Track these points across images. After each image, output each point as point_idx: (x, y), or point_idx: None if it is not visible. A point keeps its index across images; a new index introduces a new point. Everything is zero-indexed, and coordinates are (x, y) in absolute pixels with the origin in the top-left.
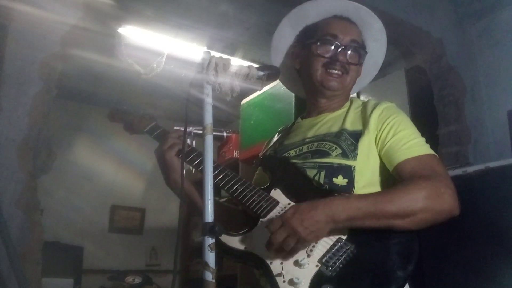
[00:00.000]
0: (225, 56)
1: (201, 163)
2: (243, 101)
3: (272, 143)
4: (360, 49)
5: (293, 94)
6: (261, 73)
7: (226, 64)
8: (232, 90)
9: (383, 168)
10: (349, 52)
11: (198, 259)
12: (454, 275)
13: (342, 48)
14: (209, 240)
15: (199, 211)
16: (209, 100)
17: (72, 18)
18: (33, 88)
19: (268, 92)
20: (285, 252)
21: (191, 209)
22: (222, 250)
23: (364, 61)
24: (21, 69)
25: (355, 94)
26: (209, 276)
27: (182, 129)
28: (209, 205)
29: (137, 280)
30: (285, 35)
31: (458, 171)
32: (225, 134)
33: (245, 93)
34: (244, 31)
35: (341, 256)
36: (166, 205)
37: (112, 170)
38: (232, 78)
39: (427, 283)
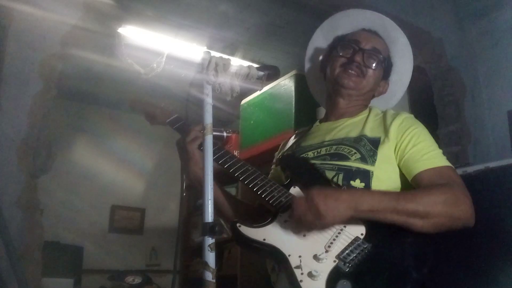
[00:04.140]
0: (225, 56)
1: (228, 159)
2: (243, 101)
3: (289, 144)
4: (379, 55)
5: (293, 94)
6: (261, 73)
7: (226, 64)
8: (232, 90)
9: (400, 177)
10: (366, 54)
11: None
12: (453, 275)
13: (360, 51)
14: (209, 240)
15: (222, 214)
16: (209, 100)
17: (72, 18)
18: (33, 88)
19: (268, 92)
20: (301, 231)
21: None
22: (241, 241)
23: (390, 79)
24: (21, 69)
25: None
26: (209, 276)
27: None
28: (209, 205)
29: (137, 280)
30: (318, 45)
31: (458, 171)
32: (225, 134)
33: (245, 93)
34: (244, 31)
35: (359, 253)
36: (166, 205)
37: (112, 170)
38: (232, 78)
39: (426, 283)
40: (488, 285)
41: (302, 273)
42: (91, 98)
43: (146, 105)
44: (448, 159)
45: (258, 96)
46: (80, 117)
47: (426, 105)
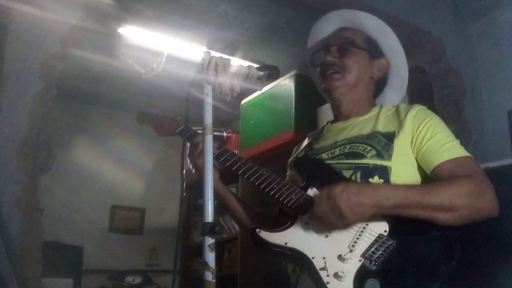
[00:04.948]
0: (225, 56)
1: (234, 162)
2: (243, 101)
3: (302, 147)
4: (349, 40)
5: (293, 94)
6: (261, 73)
7: (226, 64)
8: (232, 90)
9: (419, 170)
10: (334, 49)
11: (198, 259)
12: (453, 275)
13: (327, 50)
14: (209, 240)
15: (242, 225)
16: (209, 100)
17: (72, 18)
18: (33, 88)
19: (268, 92)
20: (326, 235)
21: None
22: (262, 246)
23: (388, 58)
24: (21, 69)
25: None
26: (209, 276)
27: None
28: (209, 205)
29: (137, 280)
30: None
31: None
32: (225, 134)
33: (245, 93)
34: (244, 31)
35: (384, 251)
36: (166, 205)
37: (112, 170)
38: (232, 78)
39: (454, 276)
40: (488, 285)
41: (328, 275)
42: (91, 98)
43: (154, 118)
44: None
45: (258, 96)
46: (80, 117)
47: (426, 105)
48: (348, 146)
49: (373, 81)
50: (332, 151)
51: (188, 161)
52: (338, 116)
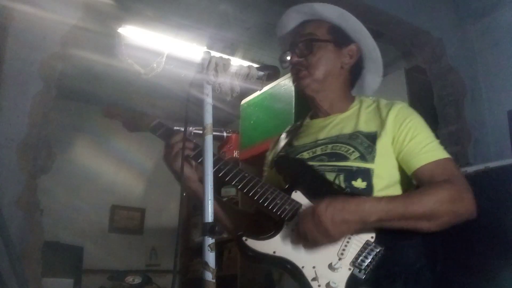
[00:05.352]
0: (225, 56)
1: (221, 166)
2: (243, 101)
3: (280, 143)
4: (309, 35)
5: (293, 94)
6: (261, 73)
7: (226, 64)
8: (232, 90)
9: (400, 169)
10: (297, 49)
11: (198, 259)
12: (453, 275)
13: (291, 51)
14: (209, 240)
15: (225, 227)
16: (209, 100)
17: (72, 18)
18: (33, 88)
19: (268, 92)
20: (309, 246)
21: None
22: (250, 255)
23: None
24: (21, 69)
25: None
26: (209, 276)
27: (182, 129)
28: (209, 205)
29: (137, 280)
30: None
31: None
32: (225, 134)
33: (245, 93)
34: (244, 31)
35: (372, 258)
36: (166, 205)
37: (112, 170)
38: (232, 78)
39: (442, 279)
40: (488, 285)
41: (319, 285)
42: (91, 98)
43: (122, 111)
44: None
45: (258, 96)
46: (80, 117)
47: (426, 105)
48: (330, 146)
49: (344, 71)
50: (313, 150)
51: (170, 168)
52: (317, 111)
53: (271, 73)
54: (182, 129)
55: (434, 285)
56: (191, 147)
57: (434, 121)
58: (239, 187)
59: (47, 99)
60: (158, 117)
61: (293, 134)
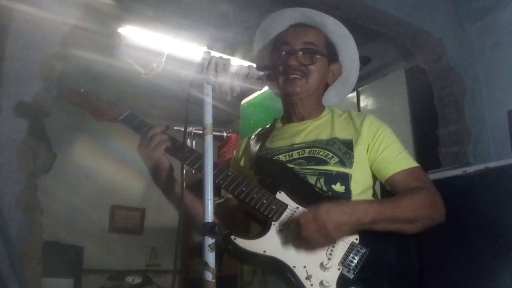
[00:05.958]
0: (225, 56)
1: (196, 160)
2: (243, 101)
3: (252, 145)
4: (313, 47)
5: None
6: (261, 73)
7: (226, 64)
8: (232, 90)
9: (371, 176)
10: (299, 54)
11: (198, 259)
12: (453, 275)
13: (292, 53)
14: (209, 240)
15: (191, 217)
16: (209, 100)
17: (72, 18)
18: (33, 88)
19: (268, 92)
20: (307, 249)
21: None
22: (239, 254)
23: (341, 59)
24: (21, 69)
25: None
26: (209, 276)
27: (182, 129)
28: (209, 205)
29: (137, 280)
30: (260, 47)
31: (458, 171)
32: (225, 134)
33: (245, 93)
34: (244, 31)
35: (360, 259)
36: (166, 205)
37: (112, 170)
38: (232, 78)
39: (426, 283)
40: (488, 285)
41: (312, 284)
42: None
43: (88, 98)
44: (448, 159)
45: (258, 96)
46: (80, 117)
47: (426, 105)
48: (307, 150)
49: (326, 85)
50: (290, 153)
51: (146, 160)
52: (290, 116)
53: (271, 73)
54: (182, 128)
55: (418, 284)
56: (166, 139)
57: (434, 121)
58: (223, 185)
59: (47, 99)
60: (129, 109)
61: (265, 136)
